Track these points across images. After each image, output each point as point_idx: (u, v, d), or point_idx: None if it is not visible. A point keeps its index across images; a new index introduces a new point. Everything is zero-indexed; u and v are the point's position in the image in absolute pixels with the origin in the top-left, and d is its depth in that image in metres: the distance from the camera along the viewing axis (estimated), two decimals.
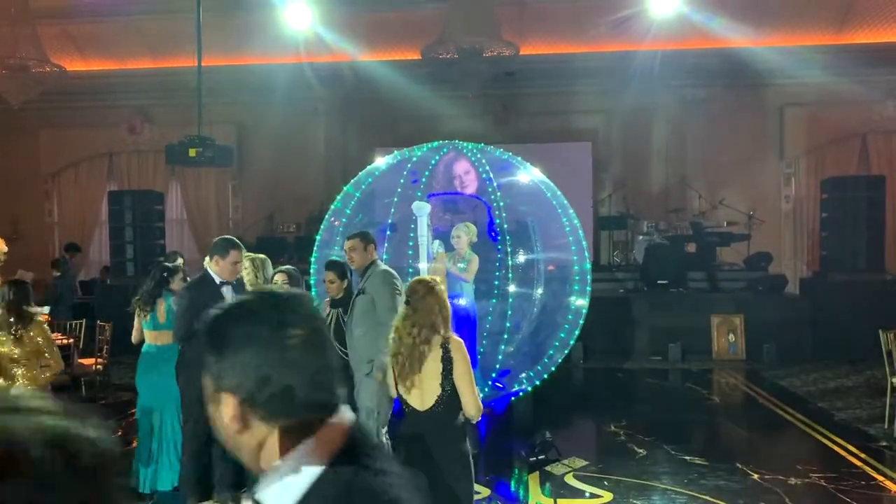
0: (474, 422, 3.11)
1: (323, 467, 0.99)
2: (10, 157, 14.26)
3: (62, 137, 14.32)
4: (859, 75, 11.93)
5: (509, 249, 6.55)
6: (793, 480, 5.06)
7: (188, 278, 5.06)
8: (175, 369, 4.63)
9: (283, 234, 13.20)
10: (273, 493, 1.00)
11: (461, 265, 6.22)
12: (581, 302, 6.83)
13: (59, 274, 11.07)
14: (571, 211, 6.99)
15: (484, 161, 6.68)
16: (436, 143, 6.91)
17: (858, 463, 5.49)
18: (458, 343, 2.98)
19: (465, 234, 6.26)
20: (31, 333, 4.09)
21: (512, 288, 6.67)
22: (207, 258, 5.34)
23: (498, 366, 6.52)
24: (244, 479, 4.76)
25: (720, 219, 12.48)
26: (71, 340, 7.39)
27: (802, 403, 7.44)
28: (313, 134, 13.86)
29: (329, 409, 1.04)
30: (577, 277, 6.88)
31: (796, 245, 13.51)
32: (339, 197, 7.01)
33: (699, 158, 13.38)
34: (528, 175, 7.10)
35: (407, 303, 2.98)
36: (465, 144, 6.90)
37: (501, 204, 6.51)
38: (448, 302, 3.03)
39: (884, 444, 6.00)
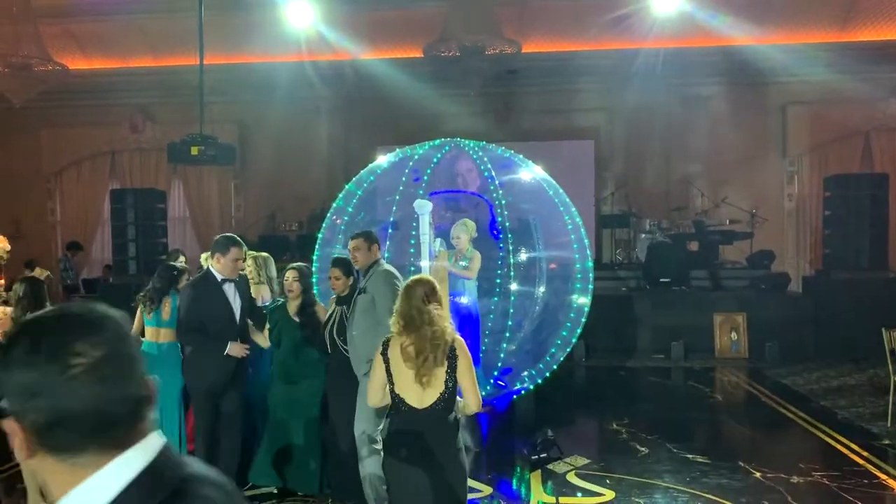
0: (470, 414, 3.16)
1: None
2: (12, 156, 14.28)
3: (64, 136, 14.34)
4: (863, 73, 11.89)
5: (511, 247, 6.54)
6: (795, 479, 5.05)
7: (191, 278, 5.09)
8: (182, 367, 4.67)
9: (285, 233, 13.20)
10: None
11: (463, 263, 6.22)
12: (583, 300, 6.81)
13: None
14: (573, 209, 6.97)
15: (486, 159, 6.66)
16: (437, 142, 6.90)
17: (861, 461, 5.47)
18: (461, 341, 3.07)
19: (464, 234, 6.24)
20: None
21: (514, 286, 6.66)
22: (204, 255, 5.41)
23: (500, 364, 6.51)
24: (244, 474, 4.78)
25: (723, 217, 12.46)
26: None
27: (805, 402, 7.42)
28: (315, 132, 13.85)
29: (124, 443, 0.94)
30: (579, 276, 6.86)
31: (799, 243, 13.49)
32: (340, 195, 7.00)
33: (702, 156, 13.35)
34: (530, 173, 7.08)
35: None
36: (466, 142, 6.89)
37: (503, 202, 6.50)
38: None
39: (886, 442, 5.98)
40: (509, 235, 6.54)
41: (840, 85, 11.90)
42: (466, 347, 3.07)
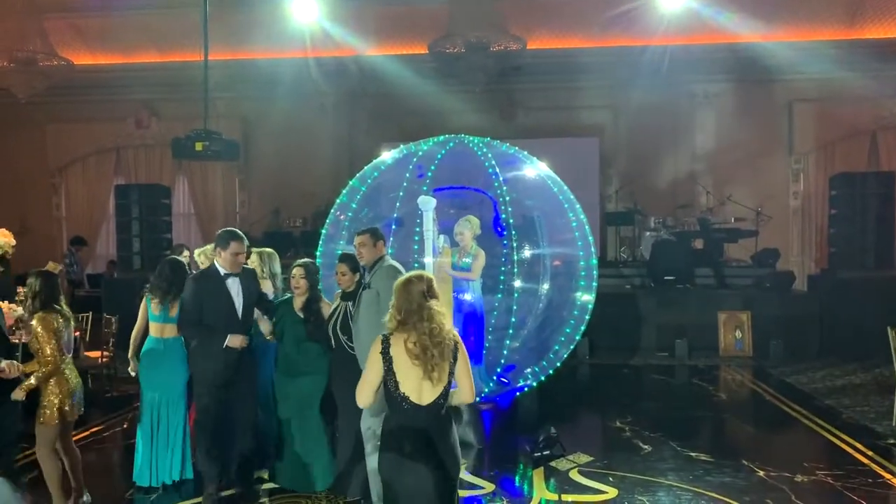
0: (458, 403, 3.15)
1: None
2: (17, 152, 14.33)
3: (69, 131, 14.38)
4: (870, 71, 11.84)
5: (515, 244, 6.52)
6: (799, 477, 5.04)
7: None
8: (186, 361, 4.68)
9: (289, 229, 13.22)
10: None
11: (467, 260, 6.20)
12: (587, 297, 6.79)
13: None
14: (578, 206, 6.94)
15: (490, 155, 6.64)
16: (442, 138, 6.88)
17: (865, 460, 5.46)
18: (458, 336, 3.08)
19: (467, 230, 6.23)
20: (33, 323, 4.08)
21: (518, 283, 6.64)
22: (198, 251, 5.46)
23: (503, 361, 6.50)
24: (251, 467, 4.79)
25: (728, 215, 12.41)
26: (77, 333, 7.42)
27: (809, 400, 7.40)
28: (319, 128, 13.86)
29: None
30: (583, 273, 6.84)
31: (804, 242, 13.45)
32: (344, 191, 6.99)
33: (707, 154, 13.32)
34: (535, 170, 7.05)
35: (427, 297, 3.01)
36: (471, 139, 6.87)
37: (507, 198, 6.48)
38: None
39: (891, 441, 5.96)
40: (513, 232, 6.52)
41: (847, 82, 11.85)
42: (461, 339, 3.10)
